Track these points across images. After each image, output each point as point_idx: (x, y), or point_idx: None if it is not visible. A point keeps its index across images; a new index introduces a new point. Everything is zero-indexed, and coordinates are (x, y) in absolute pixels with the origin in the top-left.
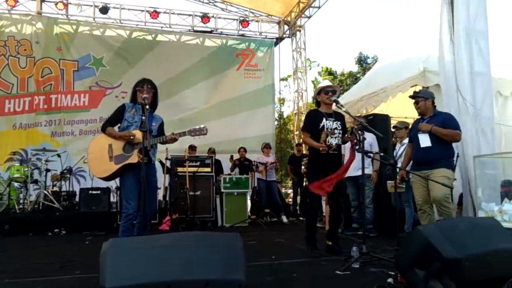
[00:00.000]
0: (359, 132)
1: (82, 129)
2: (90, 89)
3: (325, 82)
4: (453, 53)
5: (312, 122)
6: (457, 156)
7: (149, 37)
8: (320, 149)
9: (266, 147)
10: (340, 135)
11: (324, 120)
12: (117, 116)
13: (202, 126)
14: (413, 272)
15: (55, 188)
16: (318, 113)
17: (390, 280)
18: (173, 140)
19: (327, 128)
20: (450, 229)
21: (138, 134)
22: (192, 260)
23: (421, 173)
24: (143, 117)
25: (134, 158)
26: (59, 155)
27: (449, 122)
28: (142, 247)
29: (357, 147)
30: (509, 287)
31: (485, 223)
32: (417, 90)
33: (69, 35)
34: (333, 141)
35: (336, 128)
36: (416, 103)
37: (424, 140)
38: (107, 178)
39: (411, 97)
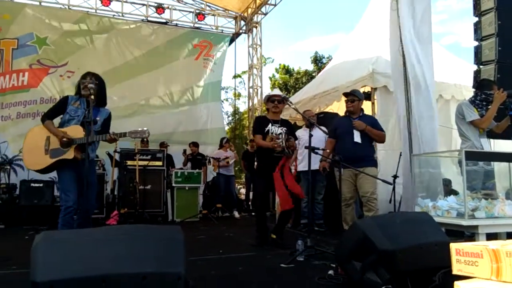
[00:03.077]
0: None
1: (20, 112)
2: (31, 67)
3: (275, 91)
4: (400, 57)
5: (259, 126)
6: (400, 155)
7: (101, 23)
8: (274, 145)
9: (226, 142)
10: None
11: (270, 125)
12: (59, 108)
13: (144, 128)
14: (351, 264)
15: None
16: (265, 118)
17: (331, 272)
18: (112, 140)
19: (271, 133)
20: (386, 223)
21: (76, 130)
22: (129, 253)
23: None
24: (87, 111)
25: (69, 154)
26: None
27: (376, 124)
28: (76, 240)
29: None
30: (440, 277)
31: (418, 217)
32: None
33: (11, 14)
34: None
35: (280, 134)
36: (351, 102)
37: (358, 137)
38: (40, 171)
39: (347, 93)
